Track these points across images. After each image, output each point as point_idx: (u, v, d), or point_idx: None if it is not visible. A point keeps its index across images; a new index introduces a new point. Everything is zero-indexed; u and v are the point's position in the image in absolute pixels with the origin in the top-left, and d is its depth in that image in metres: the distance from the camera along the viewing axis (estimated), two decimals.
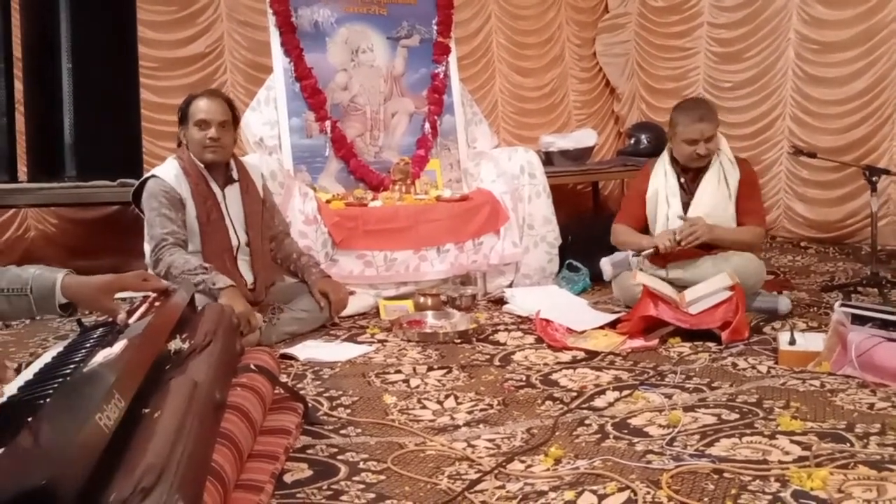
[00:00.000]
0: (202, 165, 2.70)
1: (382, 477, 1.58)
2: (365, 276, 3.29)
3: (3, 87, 3.46)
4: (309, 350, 2.55)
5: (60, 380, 1.18)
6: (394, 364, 2.43)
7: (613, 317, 2.80)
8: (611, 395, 2.07)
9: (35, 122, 3.60)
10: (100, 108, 3.54)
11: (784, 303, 2.89)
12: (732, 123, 4.94)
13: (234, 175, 2.78)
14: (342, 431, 1.84)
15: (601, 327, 2.71)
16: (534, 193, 3.61)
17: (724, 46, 4.96)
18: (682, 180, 2.99)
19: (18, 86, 3.64)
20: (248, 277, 2.75)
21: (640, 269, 2.89)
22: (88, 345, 1.42)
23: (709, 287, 2.66)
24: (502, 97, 5.24)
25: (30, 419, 0.99)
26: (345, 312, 2.99)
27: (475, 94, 4.50)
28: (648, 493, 1.46)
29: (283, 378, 2.10)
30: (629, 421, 1.87)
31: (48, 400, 1.03)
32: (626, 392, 2.08)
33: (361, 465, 1.63)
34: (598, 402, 2.02)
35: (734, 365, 2.32)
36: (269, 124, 3.55)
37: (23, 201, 3.53)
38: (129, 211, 4.23)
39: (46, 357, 1.41)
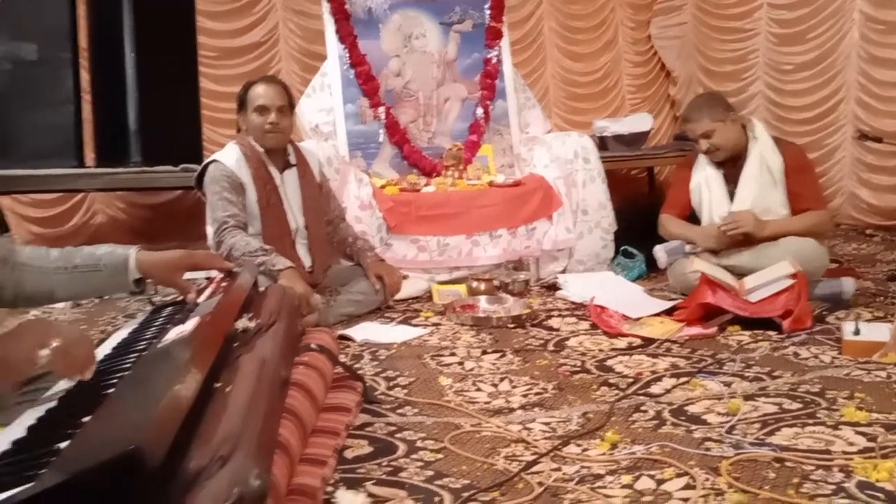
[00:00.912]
0: (262, 150, 2.76)
1: (440, 456, 1.60)
2: (418, 261, 3.33)
3: (71, 77, 3.58)
4: (365, 331, 2.60)
5: (137, 354, 1.23)
6: (448, 347, 2.46)
7: (670, 304, 2.76)
8: (668, 382, 2.05)
9: (101, 109, 3.73)
10: (162, 95, 3.64)
11: (848, 284, 2.79)
12: (793, 107, 4.80)
13: (292, 160, 2.83)
14: (399, 411, 1.87)
15: (657, 314, 2.68)
16: (588, 178, 3.58)
17: (784, 27, 4.81)
18: (723, 171, 2.95)
19: (84, 75, 3.77)
20: (307, 261, 2.80)
21: (696, 255, 2.85)
22: (161, 322, 1.48)
23: (770, 274, 2.60)
24: (554, 82, 5.19)
25: (111, 390, 1.05)
26: (398, 296, 3.03)
27: (526, 79, 4.48)
28: (707, 479, 1.45)
29: (342, 358, 2.14)
30: (687, 408, 1.85)
31: (128, 372, 1.09)
32: (683, 379, 2.06)
33: (419, 444, 1.66)
34: (655, 389, 2.00)
35: (796, 354, 2.27)
36: (325, 111, 3.60)
37: (90, 186, 3.67)
38: (191, 195, 4.37)
39: (122, 333, 1.48)
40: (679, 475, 1.47)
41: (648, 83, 5.46)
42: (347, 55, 3.64)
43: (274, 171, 2.78)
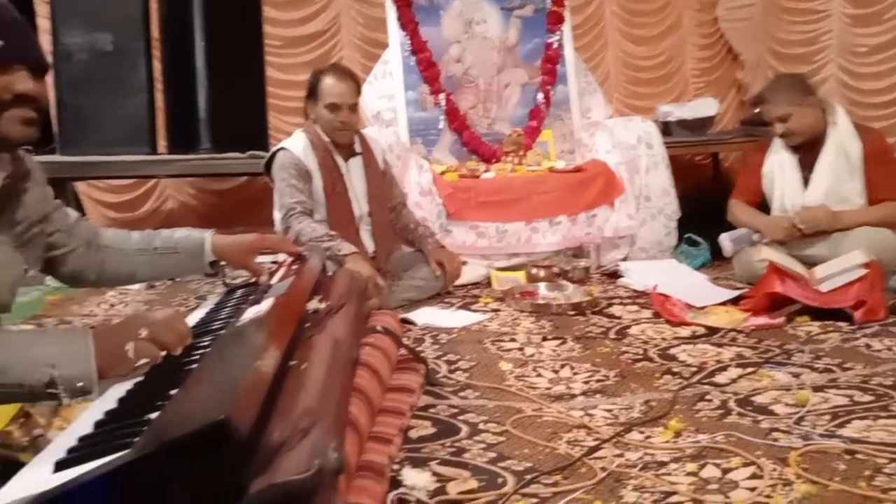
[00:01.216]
0: (328, 139, 2.81)
1: (502, 438, 1.62)
2: (477, 247, 3.34)
3: (144, 66, 3.70)
4: (425, 316, 2.63)
5: (215, 332, 1.29)
6: (508, 332, 2.47)
7: (736, 293, 2.71)
8: (733, 372, 2.02)
9: (172, 97, 3.85)
10: (230, 84, 3.73)
11: None
12: (869, 91, 4.59)
13: (357, 148, 2.88)
14: (461, 394, 1.90)
15: (722, 303, 2.63)
16: (651, 164, 3.53)
17: (859, 7, 4.60)
18: (799, 156, 2.86)
19: (156, 65, 3.90)
20: (370, 247, 2.85)
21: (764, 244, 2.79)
22: (234, 303, 1.54)
23: (842, 264, 2.52)
24: (615, 66, 5.10)
25: (194, 365, 1.10)
26: (458, 282, 3.06)
27: (587, 63, 4.41)
28: (775, 469, 1.43)
29: (404, 341, 2.18)
30: (753, 398, 1.82)
31: (209, 349, 1.14)
32: (749, 369, 2.03)
33: (481, 426, 1.68)
34: (720, 379, 1.98)
35: (868, 346, 2.20)
36: (386, 98, 3.64)
37: (162, 172, 3.80)
38: (257, 181, 4.47)
39: (199, 312, 1.54)
40: (745, 464, 1.46)
41: (714, 67, 5.31)
42: (409, 42, 3.67)
43: (339, 159, 2.83)
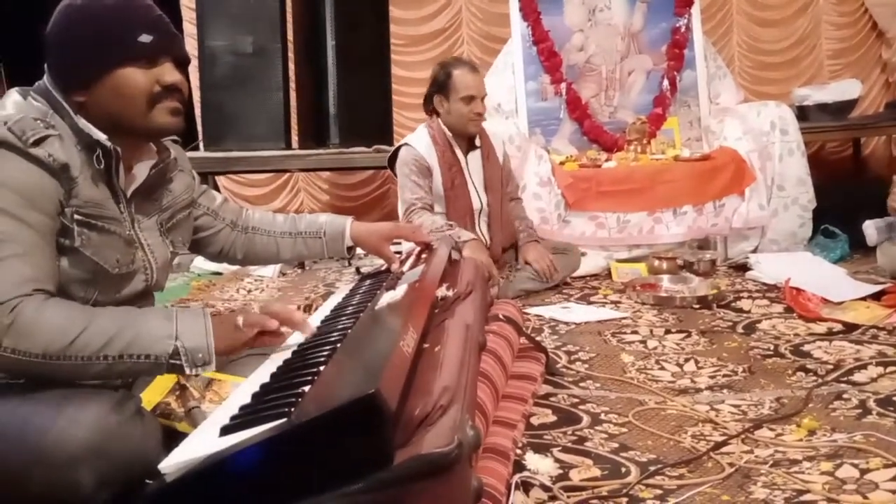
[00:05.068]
0: (450, 134, 2.86)
1: (624, 430, 1.62)
2: (597, 238, 3.32)
3: (280, 66, 3.92)
4: (554, 311, 2.59)
5: (353, 315, 1.39)
6: (629, 325, 2.45)
7: (878, 288, 2.55)
8: (873, 371, 1.91)
9: (305, 95, 4.07)
10: (358, 82, 3.89)
11: None
12: None
13: (477, 142, 2.92)
14: (581, 384, 1.92)
15: (862, 299, 2.49)
16: (786, 152, 3.36)
17: None
18: None
19: (290, 65, 4.12)
20: (486, 238, 2.90)
21: None
22: (372, 289, 1.63)
23: None
24: (739, 51, 4.88)
25: (338, 344, 1.19)
26: (576, 273, 3.05)
27: None
28: None
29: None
30: None
31: (350, 329, 1.23)
32: (891, 368, 1.91)
33: (603, 417, 1.70)
34: (859, 377, 1.88)
35: None
36: (506, 89, 3.67)
37: (295, 166, 4.03)
38: (381, 174, 4.66)
39: (337, 297, 1.65)
40: (887, 466, 1.39)
41: (854, 46, 4.95)
42: (531, 32, 3.68)
43: (460, 153, 2.88)
